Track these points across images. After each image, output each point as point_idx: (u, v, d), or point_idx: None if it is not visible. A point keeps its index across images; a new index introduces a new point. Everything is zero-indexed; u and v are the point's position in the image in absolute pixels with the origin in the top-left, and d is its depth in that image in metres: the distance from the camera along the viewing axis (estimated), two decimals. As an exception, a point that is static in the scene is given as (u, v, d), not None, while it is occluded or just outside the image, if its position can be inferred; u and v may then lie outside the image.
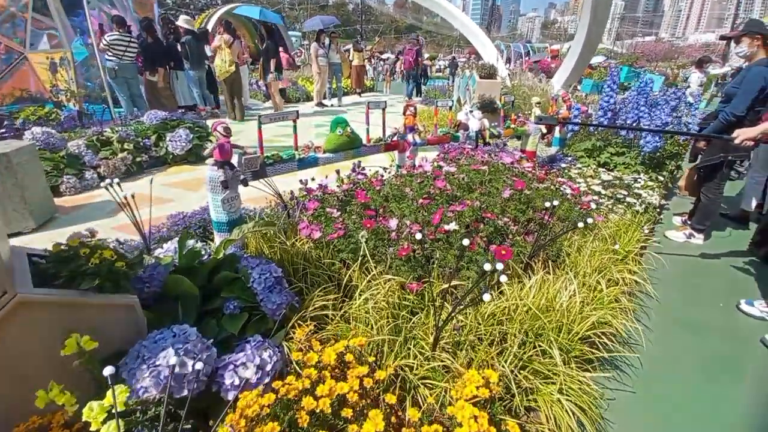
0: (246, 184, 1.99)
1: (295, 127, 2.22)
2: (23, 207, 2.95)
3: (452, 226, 1.85)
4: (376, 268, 1.84)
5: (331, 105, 9.78)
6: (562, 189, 2.71)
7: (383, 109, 2.71)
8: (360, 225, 1.98)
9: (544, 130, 4.87)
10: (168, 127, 4.83)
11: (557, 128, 4.40)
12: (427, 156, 3.12)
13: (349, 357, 1.27)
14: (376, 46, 14.40)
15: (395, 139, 2.85)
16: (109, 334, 1.26)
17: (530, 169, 2.83)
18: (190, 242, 1.89)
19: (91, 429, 1.00)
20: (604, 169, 3.82)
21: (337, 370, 1.25)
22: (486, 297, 1.18)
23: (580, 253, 2.21)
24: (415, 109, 2.95)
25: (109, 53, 6.23)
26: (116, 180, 1.84)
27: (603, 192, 3.24)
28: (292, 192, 2.67)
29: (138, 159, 4.47)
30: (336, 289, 1.84)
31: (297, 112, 2.17)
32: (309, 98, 10.53)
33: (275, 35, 7.89)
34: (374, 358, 1.43)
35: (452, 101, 2.95)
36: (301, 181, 2.68)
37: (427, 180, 2.34)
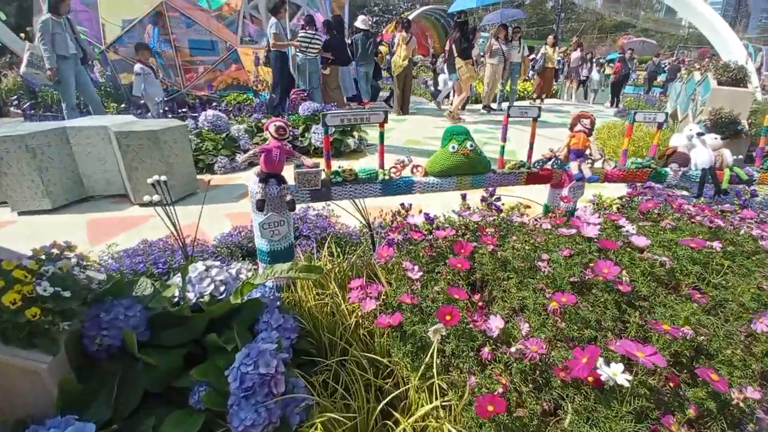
0: (293, 208, 1.41)
1: (381, 136, 1.52)
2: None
3: (620, 376, 0.84)
4: (446, 392, 1.05)
5: (500, 110, 8.70)
6: None
7: (534, 119, 1.75)
8: (440, 304, 1.17)
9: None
10: (316, 119, 4.83)
11: None
12: (598, 197, 2.00)
13: None
14: (572, 48, 12.30)
15: (548, 166, 1.85)
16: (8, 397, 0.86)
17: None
18: (214, 272, 1.44)
19: None
20: None
21: None
22: None
23: None
24: (592, 123, 1.86)
25: (297, 49, 6.79)
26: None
27: None
28: (372, 222, 2.00)
29: (282, 148, 4.58)
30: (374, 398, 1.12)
31: (384, 113, 1.46)
32: (478, 100, 9.68)
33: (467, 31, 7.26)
34: None
35: (663, 115, 1.78)
36: (402, 205, 2.00)
37: (584, 252, 1.32)
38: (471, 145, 1.59)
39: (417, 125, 7.09)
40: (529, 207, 2.21)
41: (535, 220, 1.92)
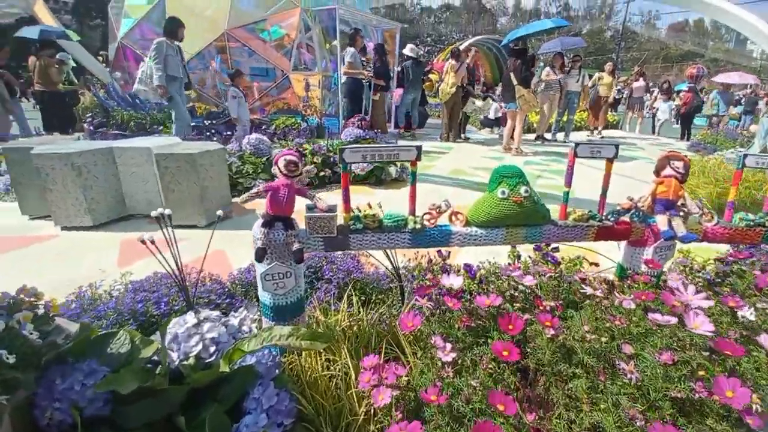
0: (299, 259, 1.17)
1: (413, 176, 1.24)
2: (199, 204, 3.11)
3: None
4: None
5: (554, 140, 8.18)
6: None
7: (610, 160, 1.39)
8: (476, 405, 0.85)
9: None
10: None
11: None
12: (686, 254, 1.59)
13: None
14: (633, 77, 11.52)
15: (626, 218, 1.47)
16: None
17: None
18: (206, 327, 1.21)
19: None
20: None
21: None
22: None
23: None
24: (686, 167, 1.47)
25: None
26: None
27: None
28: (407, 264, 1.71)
29: (321, 173, 4.47)
30: None
31: (417, 148, 1.18)
32: (530, 130, 9.22)
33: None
34: None
35: (749, 154, 1.38)
36: (439, 252, 1.71)
37: (690, 356, 0.94)
38: (526, 191, 1.27)
39: (464, 154, 6.78)
40: (595, 264, 1.82)
41: (607, 284, 1.53)
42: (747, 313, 1.14)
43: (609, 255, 1.88)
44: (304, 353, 1.30)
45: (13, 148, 3.13)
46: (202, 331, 1.19)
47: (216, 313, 1.34)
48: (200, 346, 1.16)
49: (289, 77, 7.89)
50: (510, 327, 1.14)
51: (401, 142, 6.53)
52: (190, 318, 1.23)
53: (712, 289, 1.52)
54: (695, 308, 1.09)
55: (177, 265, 1.46)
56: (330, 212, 1.18)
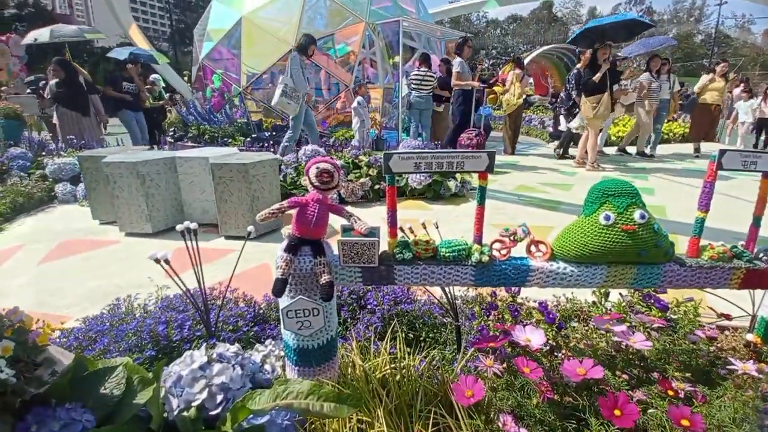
0: (328, 296, 0.92)
1: (482, 193, 0.93)
2: (249, 214, 3.05)
3: None
4: None
5: (651, 156, 7.11)
6: None
7: (766, 175, 0.97)
8: None
9: None
10: (415, 157, 4.44)
11: None
12: None
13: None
14: (734, 84, 9.89)
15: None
16: None
17: None
18: (216, 369, 1.00)
19: None
20: None
21: None
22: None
23: None
24: None
25: (410, 86, 6.71)
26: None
27: None
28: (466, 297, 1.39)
29: (377, 186, 4.28)
30: None
31: (489, 156, 0.87)
32: (609, 143, 8.31)
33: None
34: None
35: None
36: (509, 290, 1.40)
37: None
38: (642, 216, 0.90)
39: (530, 168, 6.22)
40: (726, 317, 1.35)
41: (750, 350, 1.09)
42: None
43: (737, 304, 1.39)
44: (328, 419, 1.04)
45: (88, 156, 3.33)
46: (209, 375, 0.98)
47: (234, 348, 1.13)
48: (205, 394, 0.95)
49: (350, 92, 7.93)
50: (617, 413, 0.78)
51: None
52: (198, 356, 1.03)
53: None
54: None
55: (200, 286, 1.29)
56: (371, 236, 0.92)
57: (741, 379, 0.88)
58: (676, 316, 1.49)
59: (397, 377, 1.21)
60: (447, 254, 0.95)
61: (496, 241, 0.99)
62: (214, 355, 1.09)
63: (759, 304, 1.26)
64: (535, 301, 1.53)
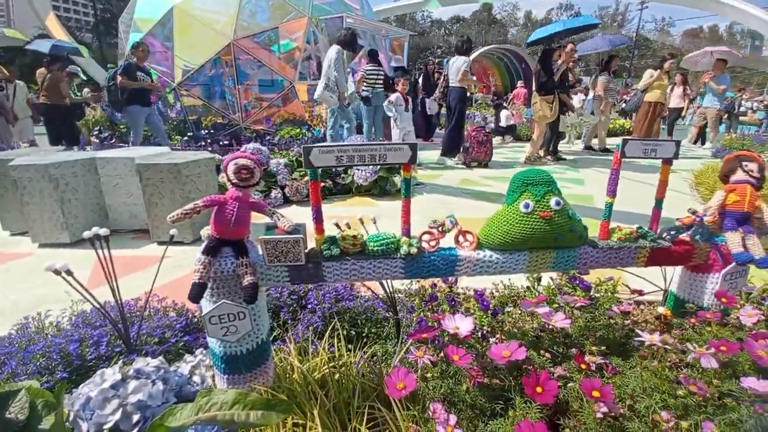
0: (251, 298, 0.87)
1: (406, 185, 0.93)
2: (185, 219, 2.85)
3: None
4: None
5: (602, 151, 7.63)
6: None
7: (667, 161, 1.07)
8: None
9: None
10: (361, 154, 4.42)
11: None
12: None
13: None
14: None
15: (687, 236, 1.14)
16: None
17: None
18: (132, 386, 0.91)
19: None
20: None
21: None
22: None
23: None
24: (762, 169, 1.14)
25: (364, 83, 6.62)
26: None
27: None
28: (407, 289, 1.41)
29: (323, 184, 4.21)
30: None
31: (411, 147, 0.87)
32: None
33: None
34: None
35: None
36: (446, 280, 1.42)
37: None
38: (557, 203, 0.95)
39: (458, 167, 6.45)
40: (639, 292, 1.48)
41: (661, 321, 1.19)
42: None
43: (651, 277, 1.53)
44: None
45: (-11, 159, 2.95)
46: (124, 393, 0.90)
47: (155, 361, 1.05)
48: (119, 414, 0.86)
49: (295, 87, 7.73)
50: (539, 390, 0.82)
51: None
52: (110, 374, 0.93)
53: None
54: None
55: (115, 298, 1.18)
56: (295, 234, 0.89)
57: (649, 350, 0.96)
58: (598, 295, 1.61)
59: (336, 376, 1.19)
60: (375, 248, 0.94)
61: (425, 233, 1.00)
62: (131, 372, 1.00)
63: (670, 281, 1.40)
64: (473, 290, 1.57)
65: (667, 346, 0.87)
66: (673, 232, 1.10)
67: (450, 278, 1.49)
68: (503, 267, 1.00)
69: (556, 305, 1.40)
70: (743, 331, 1.00)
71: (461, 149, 6.13)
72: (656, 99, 6.82)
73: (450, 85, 6.21)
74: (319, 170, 0.88)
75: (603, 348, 1.04)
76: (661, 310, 1.34)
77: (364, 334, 1.55)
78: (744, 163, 1.14)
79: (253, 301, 0.88)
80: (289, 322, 1.59)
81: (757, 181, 1.13)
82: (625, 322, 1.26)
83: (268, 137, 7.47)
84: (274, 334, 1.53)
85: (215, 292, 0.91)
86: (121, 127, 7.90)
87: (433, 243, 0.99)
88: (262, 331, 1.01)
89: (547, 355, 0.97)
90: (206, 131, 7.20)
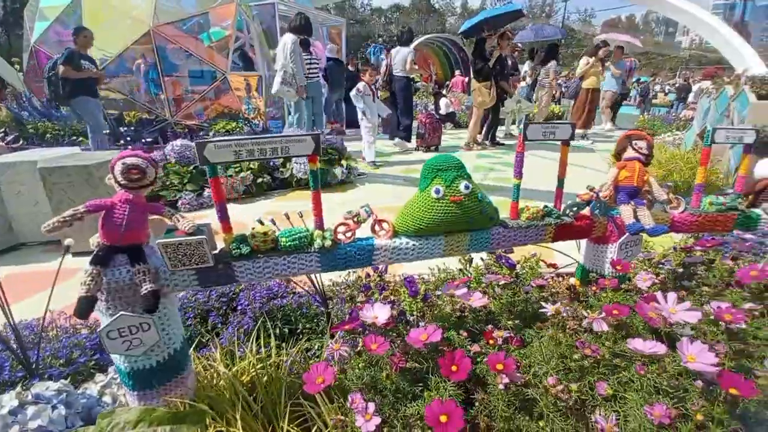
0: (151, 307, 0.81)
1: (314, 177, 0.91)
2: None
3: None
4: None
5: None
6: None
7: (565, 142, 1.14)
8: None
9: None
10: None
11: None
12: (647, 247, 1.40)
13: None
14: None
15: (586, 212, 1.24)
16: None
17: None
18: (31, 412, 0.82)
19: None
20: None
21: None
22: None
23: None
24: (650, 146, 1.26)
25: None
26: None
27: None
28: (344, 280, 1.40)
29: (260, 180, 4.05)
30: None
31: (314, 139, 0.85)
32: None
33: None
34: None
35: (753, 133, 1.26)
36: (376, 269, 1.43)
37: (683, 389, 0.69)
38: (467, 187, 0.98)
39: (413, 150, 6.56)
40: (553, 266, 1.58)
41: (570, 290, 1.29)
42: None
43: (569, 251, 1.65)
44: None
45: None
46: (23, 420, 0.81)
47: (57, 385, 0.95)
48: (6, 449, 0.77)
49: (228, 79, 7.31)
50: (454, 369, 0.85)
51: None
52: (7, 401, 0.84)
53: (680, 283, 1.32)
54: (678, 322, 0.85)
55: (8, 319, 1.05)
56: (197, 234, 0.83)
57: (554, 319, 1.03)
58: (523, 272, 1.71)
59: (265, 378, 1.16)
60: (288, 243, 0.91)
61: (340, 224, 0.98)
62: (29, 397, 0.90)
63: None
64: (404, 277, 1.60)
65: (564, 315, 0.93)
66: (575, 209, 1.19)
67: (381, 267, 1.51)
68: (420, 253, 1.02)
69: (484, 285, 1.47)
70: (638, 295, 1.11)
71: (417, 135, 6.49)
72: (593, 85, 7.12)
73: (395, 74, 6.36)
74: (218, 166, 0.83)
75: (517, 322, 1.10)
76: (572, 281, 1.46)
77: (298, 331, 1.52)
78: (634, 142, 1.25)
79: (154, 309, 0.82)
80: (220, 326, 1.52)
81: (645, 157, 1.25)
82: (541, 294, 1.35)
83: (201, 132, 7.05)
84: (204, 339, 1.46)
85: (111, 305, 0.84)
86: (30, 127, 7.03)
87: (349, 234, 0.98)
88: (174, 340, 0.95)
89: (465, 333, 1.01)
90: (129, 128, 6.62)
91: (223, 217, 0.87)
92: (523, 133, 1.06)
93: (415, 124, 6.92)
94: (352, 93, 5.58)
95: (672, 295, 0.92)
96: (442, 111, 8.61)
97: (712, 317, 0.91)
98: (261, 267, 0.91)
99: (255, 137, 0.81)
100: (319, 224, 0.95)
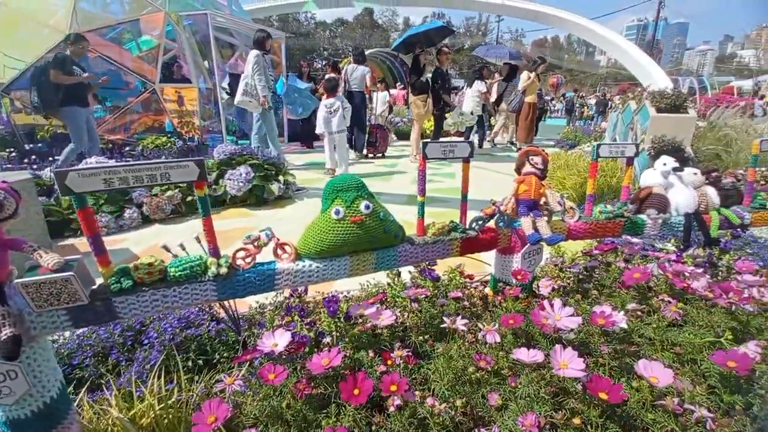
0: (11, 354, 0.72)
1: (202, 202, 0.87)
2: None
3: None
4: None
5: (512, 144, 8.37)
6: None
7: (466, 160, 1.20)
8: None
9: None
10: (233, 163, 4.16)
11: None
12: (557, 252, 1.51)
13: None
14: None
15: (493, 224, 1.30)
16: None
17: None
18: None
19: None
20: None
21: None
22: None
23: None
24: (545, 162, 1.36)
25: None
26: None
27: None
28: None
29: (190, 198, 3.83)
30: None
31: (199, 165, 0.82)
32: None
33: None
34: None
35: (634, 147, 1.41)
36: (294, 291, 1.39)
37: (567, 395, 0.73)
38: (367, 206, 0.99)
39: (357, 162, 6.62)
40: (469, 277, 1.64)
41: (482, 300, 1.34)
42: (619, 321, 1.00)
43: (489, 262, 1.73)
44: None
45: None
46: None
47: None
48: None
49: (157, 91, 6.90)
50: (356, 392, 0.84)
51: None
52: None
53: (582, 286, 1.43)
54: (563, 329, 0.92)
55: None
56: (65, 270, 0.76)
57: (454, 334, 1.06)
58: (446, 284, 1.76)
59: (166, 420, 1.07)
60: (178, 273, 0.86)
61: (239, 249, 0.95)
62: None
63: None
64: (323, 297, 1.58)
65: (462, 328, 0.97)
66: (480, 222, 1.25)
67: (300, 288, 1.47)
68: (324, 274, 1.01)
69: (402, 300, 1.48)
70: (536, 297, 1.18)
71: (368, 143, 7.12)
72: (533, 100, 7.40)
73: (353, 90, 6.73)
74: (86, 197, 0.76)
75: (427, 336, 1.12)
76: (486, 290, 1.52)
77: (215, 361, 1.44)
78: (530, 158, 1.35)
79: (14, 357, 0.73)
80: (124, 363, 1.39)
81: (541, 172, 1.35)
82: (456, 307, 1.39)
83: (127, 148, 6.56)
84: (104, 381, 1.32)
85: (-43, 357, 0.73)
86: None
87: (249, 259, 0.95)
88: (48, 388, 0.85)
89: (372, 354, 1.01)
90: (40, 144, 6.01)
91: (98, 251, 0.80)
92: (423, 152, 1.10)
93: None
94: (322, 113, 5.36)
95: (558, 302, 0.99)
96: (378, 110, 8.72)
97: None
98: (148, 300, 0.85)
99: (130, 164, 0.76)
100: (214, 251, 0.90)
